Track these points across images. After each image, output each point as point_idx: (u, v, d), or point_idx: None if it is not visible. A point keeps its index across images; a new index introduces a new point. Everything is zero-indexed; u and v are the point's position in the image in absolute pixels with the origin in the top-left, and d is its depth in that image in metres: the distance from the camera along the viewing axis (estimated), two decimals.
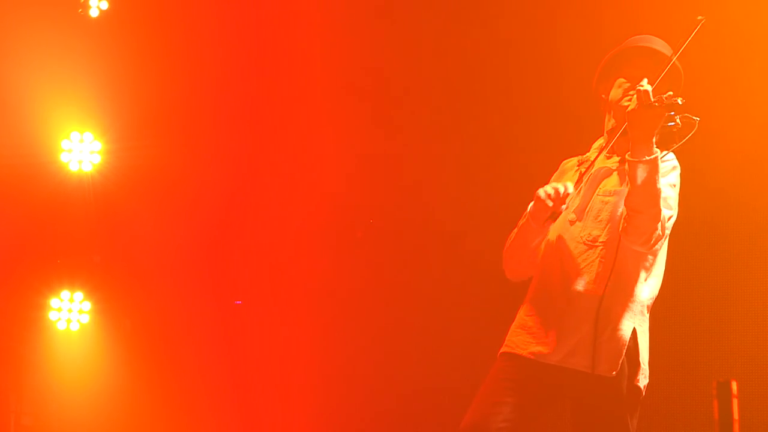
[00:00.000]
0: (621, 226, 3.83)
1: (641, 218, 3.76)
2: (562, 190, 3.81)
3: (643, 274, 3.93)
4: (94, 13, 7.10)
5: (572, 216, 3.97)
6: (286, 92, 6.97)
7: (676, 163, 3.92)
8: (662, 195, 3.77)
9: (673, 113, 3.74)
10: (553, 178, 4.23)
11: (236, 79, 7.00)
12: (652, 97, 3.72)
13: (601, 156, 4.06)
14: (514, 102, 6.28)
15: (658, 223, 3.78)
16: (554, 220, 3.85)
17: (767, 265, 5.59)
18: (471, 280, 6.28)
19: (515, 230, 4.11)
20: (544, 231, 3.94)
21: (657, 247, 3.86)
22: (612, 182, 4.00)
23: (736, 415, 2.73)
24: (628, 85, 4.02)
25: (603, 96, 4.15)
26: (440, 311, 6.40)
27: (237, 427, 6.84)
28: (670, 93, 3.73)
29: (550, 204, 3.81)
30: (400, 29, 6.67)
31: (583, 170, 4.06)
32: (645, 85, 3.78)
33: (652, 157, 3.72)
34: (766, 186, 5.62)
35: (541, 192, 3.86)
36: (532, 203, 3.94)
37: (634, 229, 3.78)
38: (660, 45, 4.08)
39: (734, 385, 2.74)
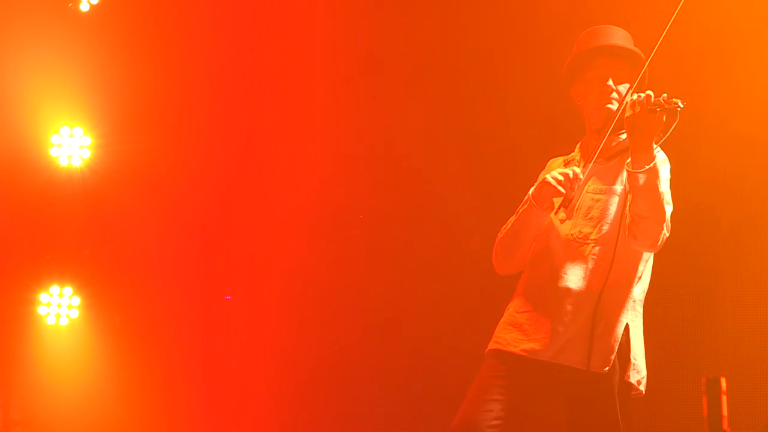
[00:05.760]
0: (627, 231, 3.82)
1: (647, 223, 3.77)
2: (572, 174, 3.79)
3: (638, 271, 3.95)
4: (84, 7, 7.07)
5: (562, 214, 3.98)
6: (278, 86, 6.96)
7: (665, 156, 3.92)
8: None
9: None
10: (540, 176, 4.23)
11: (227, 73, 6.98)
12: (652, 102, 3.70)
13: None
14: (507, 99, 6.28)
15: (663, 224, 3.80)
16: (567, 206, 3.80)
17: (757, 259, 5.60)
18: (463, 276, 6.28)
19: (511, 219, 4.08)
20: (547, 219, 3.90)
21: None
22: (599, 180, 4.00)
23: (725, 412, 2.73)
24: (597, 87, 4.02)
25: (575, 99, 4.16)
26: (432, 307, 6.40)
27: (226, 422, 6.83)
28: (666, 95, 3.70)
29: (563, 190, 3.78)
30: (394, 24, 6.67)
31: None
32: (646, 92, 3.75)
33: (652, 164, 3.72)
34: (758, 179, 5.63)
35: (549, 178, 3.82)
36: (531, 190, 3.93)
37: (642, 233, 3.79)
38: (618, 38, 4.06)
39: (723, 382, 2.75)
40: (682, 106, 3.67)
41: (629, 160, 3.78)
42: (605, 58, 4.04)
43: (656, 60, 3.93)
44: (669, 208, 3.85)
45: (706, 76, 5.52)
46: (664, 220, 3.79)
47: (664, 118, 3.71)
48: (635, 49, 4.03)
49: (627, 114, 3.76)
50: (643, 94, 3.73)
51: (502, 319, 4.08)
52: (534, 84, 6.07)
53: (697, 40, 5.55)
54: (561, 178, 3.80)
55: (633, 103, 3.74)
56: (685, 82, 3.79)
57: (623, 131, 3.98)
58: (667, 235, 3.85)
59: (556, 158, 4.26)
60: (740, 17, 5.65)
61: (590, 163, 3.93)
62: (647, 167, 3.71)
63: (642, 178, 3.72)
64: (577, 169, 3.82)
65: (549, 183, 3.81)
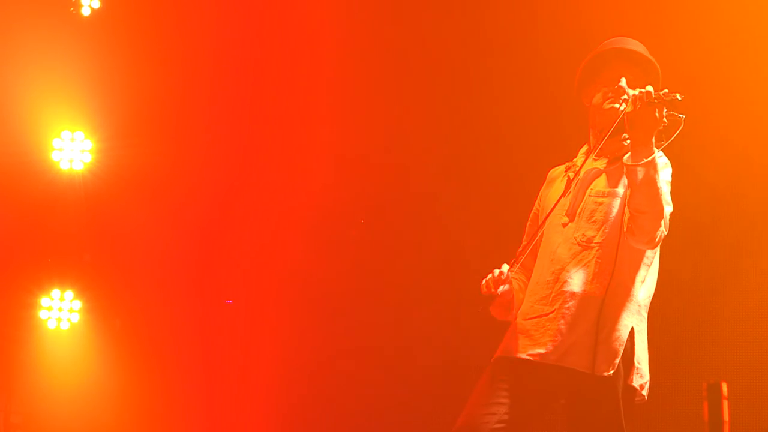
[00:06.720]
0: (625, 226, 3.85)
1: (645, 218, 3.78)
2: (497, 273, 3.91)
3: (641, 275, 3.96)
4: (86, 11, 7.09)
5: (564, 219, 3.99)
6: (278, 91, 6.97)
7: (667, 160, 3.94)
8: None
9: (672, 111, 3.76)
10: (542, 189, 4.28)
11: (227, 78, 7.00)
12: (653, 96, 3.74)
13: (589, 159, 4.08)
14: (510, 106, 6.28)
15: (661, 220, 3.82)
16: (490, 304, 3.95)
17: (757, 264, 5.60)
18: (464, 279, 6.26)
19: None
20: (501, 310, 4.04)
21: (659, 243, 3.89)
22: (602, 183, 4.02)
23: (726, 417, 2.73)
24: (608, 88, 4.05)
25: (585, 101, 4.18)
26: (433, 310, 6.39)
27: (227, 426, 6.84)
28: (666, 90, 3.74)
29: (485, 290, 3.92)
30: (398, 29, 6.67)
31: (571, 175, 4.09)
32: (646, 87, 3.79)
33: (650, 158, 3.74)
34: (756, 186, 5.64)
35: (483, 281, 3.95)
36: None
37: (640, 229, 3.81)
38: (635, 45, 4.12)
39: (724, 387, 2.75)
40: (680, 98, 3.70)
41: (628, 155, 3.80)
42: (621, 61, 4.07)
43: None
44: (668, 208, 3.86)
45: (708, 90, 5.52)
46: (662, 216, 3.81)
47: (665, 112, 3.73)
48: (651, 57, 4.06)
49: (628, 109, 3.79)
50: (643, 90, 3.76)
51: (510, 328, 4.09)
52: (537, 92, 6.08)
53: (699, 52, 5.57)
54: (489, 277, 3.92)
55: (634, 98, 3.77)
56: (687, 95, 3.78)
57: (627, 136, 4.00)
58: (665, 233, 3.86)
59: (557, 167, 4.28)
60: (742, 30, 5.66)
61: (590, 159, 3.95)
62: (646, 161, 3.73)
63: (641, 172, 3.74)
64: (505, 267, 3.92)
65: (481, 286, 3.95)
